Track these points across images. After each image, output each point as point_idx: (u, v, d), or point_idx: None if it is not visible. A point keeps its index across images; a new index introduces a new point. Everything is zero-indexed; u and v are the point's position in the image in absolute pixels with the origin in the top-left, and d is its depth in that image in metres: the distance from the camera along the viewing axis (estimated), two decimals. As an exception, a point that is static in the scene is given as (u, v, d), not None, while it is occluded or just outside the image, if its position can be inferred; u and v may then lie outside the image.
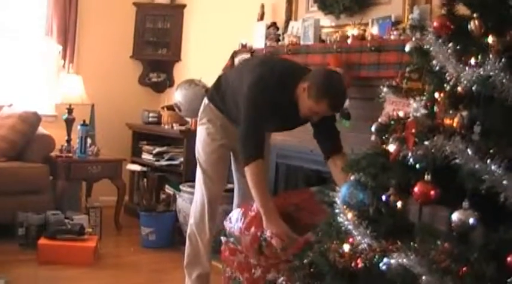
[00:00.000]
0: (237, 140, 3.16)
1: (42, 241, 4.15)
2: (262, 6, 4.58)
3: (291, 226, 2.92)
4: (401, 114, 2.19)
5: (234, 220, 3.11)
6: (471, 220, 1.75)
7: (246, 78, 3.11)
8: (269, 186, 4.26)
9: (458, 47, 1.92)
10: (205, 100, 3.46)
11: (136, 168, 5.50)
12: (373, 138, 2.24)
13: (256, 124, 3.04)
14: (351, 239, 2.07)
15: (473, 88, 1.82)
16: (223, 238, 3.20)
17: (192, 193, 3.80)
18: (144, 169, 5.46)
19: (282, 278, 2.57)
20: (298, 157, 3.68)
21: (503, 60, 1.75)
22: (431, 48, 2.02)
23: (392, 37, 3.45)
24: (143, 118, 5.85)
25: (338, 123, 3.63)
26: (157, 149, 5.38)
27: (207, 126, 3.39)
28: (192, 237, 3.45)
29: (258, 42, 4.43)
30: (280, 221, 2.88)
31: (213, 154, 3.35)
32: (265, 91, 3.00)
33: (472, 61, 1.84)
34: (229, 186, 3.78)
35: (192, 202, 3.52)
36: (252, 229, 2.95)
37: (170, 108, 5.31)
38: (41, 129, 5.04)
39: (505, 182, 1.68)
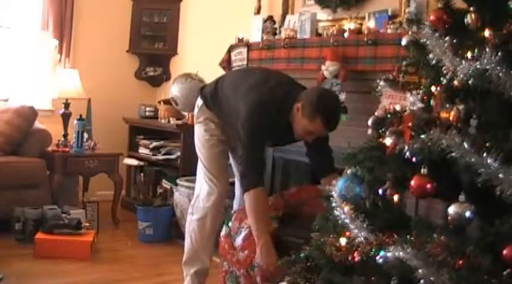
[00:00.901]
0: (235, 138, 3.16)
1: (39, 235, 4.16)
2: None
3: (295, 223, 2.96)
4: (397, 107, 2.19)
5: (235, 229, 3.11)
6: (467, 213, 1.76)
7: (243, 99, 3.07)
8: (266, 180, 4.28)
9: (454, 41, 1.92)
10: (199, 102, 3.45)
11: (133, 162, 5.50)
12: (369, 131, 2.24)
13: (256, 151, 3.00)
14: (347, 233, 2.08)
15: (470, 82, 1.82)
16: (224, 228, 3.20)
17: (189, 188, 3.80)
18: (141, 163, 5.47)
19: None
20: (295, 151, 3.67)
21: (499, 53, 1.75)
22: (427, 42, 2.02)
23: (389, 31, 3.46)
24: (140, 113, 5.85)
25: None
26: (154, 143, 5.38)
27: (205, 123, 3.40)
28: (192, 234, 3.44)
29: (255, 36, 4.42)
30: (272, 252, 2.80)
31: (213, 149, 3.36)
32: (264, 117, 2.97)
33: (469, 55, 1.84)
34: (230, 179, 3.77)
35: (193, 197, 3.51)
36: (246, 252, 2.97)
37: (167, 102, 5.31)
38: (38, 124, 5.04)
39: (501, 175, 1.68)
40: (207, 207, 3.36)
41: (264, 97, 3.01)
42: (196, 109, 3.48)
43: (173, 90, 4.78)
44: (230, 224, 3.19)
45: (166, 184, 5.06)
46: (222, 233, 3.25)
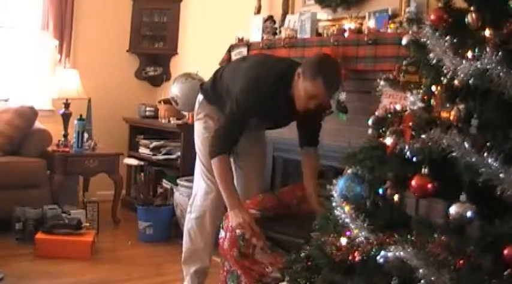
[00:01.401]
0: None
1: (39, 235, 4.15)
2: (259, -1, 4.58)
3: (293, 219, 2.98)
4: (398, 107, 2.19)
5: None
6: (468, 213, 1.76)
7: (240, 79, 3.10)
8: (266, 179, 4.28)
9: (455, 40, 1.92)
10: (200, 97, 3.46)
11: (134, 162, 5.50)
12: (370, 131, 2.24)
13: (236, 127, 3.06)
14: (348, 233, 2.08)
15: (470, 81, 1.82)
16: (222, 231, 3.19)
17: (189, 187, 3.80)
18: (141, 163, 5.46)
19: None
20: (295, 150, 3.67)
21: (500, 53, 1.75)
22: (428, 42, 2.02)
23: (389, 30, 3.45)
24: (140, 113, 5.84)
25: (335, 117, 3.64)
26: (154, 143, 5.38)
27: (204, 120, 3.39)
28: (191, 232, 3.44)
29: (255, 35, 4.42)
30: (244, 211, 2.97)
31: None
32: (258, 94, 3.00)
33: (469, 54, 1.84)
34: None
35: (191, 196, 3.51)
36: (228, 234, 2.97)
37: (167, 102, 5.30)
38: (38, 124, 5.04)
39: (501, 175, 1.68)
40: (205, 205, 3.36)
41: (262, 73, 3.06)
42: (196, 105, 3.47)
43: (173, 89, 4.78)
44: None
45: (166, 184, 5.06)
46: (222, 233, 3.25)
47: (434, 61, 1.99)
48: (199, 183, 3.42)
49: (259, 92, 3.01)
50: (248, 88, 3.02)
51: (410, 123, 1.96)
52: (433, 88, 2.01)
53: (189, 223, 3.46)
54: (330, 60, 3.02)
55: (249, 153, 3.44)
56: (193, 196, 3.46)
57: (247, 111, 3.04)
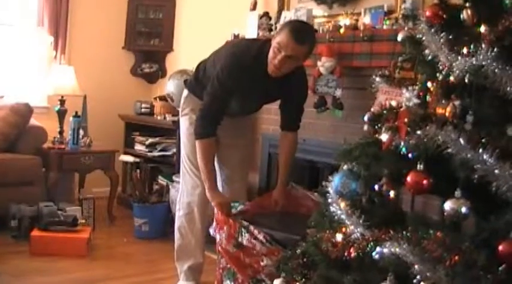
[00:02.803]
0: (220, 129, 3.16)
1: (35, 232, 4.15)
2: (255, -4, 4.57)
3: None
4: (393, 103, 2.19)
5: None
6: (463, 209, 1.76)
7: (220, 61, 3.13)
8: (262, 176, 4.28)
9: (450, 37, 1.93)
10: (185, 92, 3.46)
11: (129, 159, 5.49)
12: (365, 127, 2.24)
13: (219, 103, 3.10)
14: (343, 229, 2.08)
15: (466, 77, 1.83)
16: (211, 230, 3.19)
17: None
18: (137, 160, 5.46)
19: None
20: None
21: (495, 49, 1.75)
22: (423, 38, 2.02)
23: (384, 27, 3.46)
24: (136, 109, 5.83)
25: (330, 113, 3.64)
26: (150, 140, 5.37)
27: (189, 116, 3.40)
28: (181, 229, 3.44)
29: (251, 32, 4.41)
30: (219, 193, 3.18)
31: None
32: (238, 68, 3.02)
33: (465, 50, 1.84)
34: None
35: (179, 193, 3.51)
36: (224, 229, 2.99)
37: (163, 98, 5.30)
38: (33, 121, 5.02)
39: (496, 171, 1.68)
40: (193, 201, 3.36)
41: (240, 49, 3.11)
42: (182, 100, 3.48)
43: (169, 86, 4.77)
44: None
45: (162, 180, 5.05)
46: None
47: (429, 57, 1.99)
48: (185, 179, 3.42)
49: (239, 67, 3.03)
50: (227, 65, 3.05)
51: (406, 120, 1.97)
52: (429, 84, 2.01)
53: (178, 220, 3.46)
54: (301, 21, 3.11)
55: (232, 147, 3.45)
56: (180, 193, 3.47)
57: (228, 87, 3.06)
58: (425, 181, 1.87)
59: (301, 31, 2.93)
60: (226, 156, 3.46)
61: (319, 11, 4.15)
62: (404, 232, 1.82)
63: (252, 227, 2.89)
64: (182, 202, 3.43)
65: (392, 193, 2.03)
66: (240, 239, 2.91)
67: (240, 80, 3.04)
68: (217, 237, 3.03)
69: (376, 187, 2.06)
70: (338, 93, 3.62)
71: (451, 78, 1.89)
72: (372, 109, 2.29)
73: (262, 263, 2.82)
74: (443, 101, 1.92)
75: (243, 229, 2.90)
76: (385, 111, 2.16)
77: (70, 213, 4.41)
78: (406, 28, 2.27)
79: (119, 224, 5.07)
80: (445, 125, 1.83)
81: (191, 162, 3.37)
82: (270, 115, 4.06)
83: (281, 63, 2.91)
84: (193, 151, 3.30)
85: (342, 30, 3.67)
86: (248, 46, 3.11)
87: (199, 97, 3.32)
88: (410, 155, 1.93)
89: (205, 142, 3.11)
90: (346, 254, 2.00)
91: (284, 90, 3.13)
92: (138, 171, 5.36)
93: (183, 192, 3.44)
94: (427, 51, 2.00)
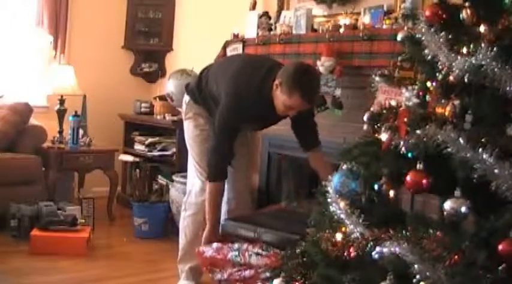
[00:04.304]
0: None
1: (34, 232, 4.14)
2: (255, -5, 4.57)
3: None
4: (393, 103, 2.19)
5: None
6: (463, 209, 1.76)
7: (223, 90, 3.14)
8: (262, 177, 4.28)
9: (450, 36, 1.93)
10: (186, 98, 3.46)
11: (129, 158, 5.49)
12: (365, 127, 2.24)
13: (227, 143, 3.11)
14: (343, 228, 2.08)
15: (465, 77, 1.83)
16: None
17: (185, 184, 3.80)
18: (137, 159, 5.45)
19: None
20: (290, 146, 3.68)
21: (495, 49, 1.75)
22: (423, 37, 2.02)
23: (384, 26, 3.46)
24: (135, 109, 5.83)
25: (330, 112, 3.65)
26: (150, 139, 5.37)
27: (194, 118, 3.40)
28: (186, 230, 3.44)
29: (250, 31, 4.42)
30: (212, 236, 3.12)
31: (204, 144, 3.34)
32: (240, 110, 3.06)
33: (464, 50, 1.84)
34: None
35: (186, 193, 3.51)
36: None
37: (162, 98, 5.30)
38: (33, 120, 5.03)
39: (496, 171, 1.68)
40: (200, 203, 3.36)
41: (240, 88, 3.08)
42: (184, 106, 3.48)
43: (169, 86, 4.78)
44: None
45: (162, 180, 5.05)
46: None
47: (429, 57, 1.99)
48: (194, 180, 3.42)
49: (241, 106, 3.06)
50: (230, 106, 3.08)
51: (406, 119, 1.97)
52: (428, 84, 2.02)
53: (184, 221, 3.46)
54: (308, 73, 2.98)
55: (238, 151, 3.45)
56: (188, 193, 3.47)
57: (233, 125, 3.12)
58: (424, 181, 1.87)
59: (312, 91, 2.97)
60: (234, 163, 3.45)
61: (318, 10, 4.15)
62: (404, 232, 1.82)
63: (244, 246, 2.90)
64: (189, 203, 3.44)
65: (391, 193, 2.03)
66: (238, 260, 2.91)
67: (245, 115, 3.09)
68: (219, 276, 3.01)
69: (376, 186, 2.06)
70: (338, 92, 3.62)
71: (451, 78, 1.89)
72: (372, 109, 2.29)
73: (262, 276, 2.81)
74: (442, 101, 1.92)
75: (235, 252, 2.90)
76: (384, 111, 2.17)
77: (70, 213, 4.40)
78: (405, 28, 2.27)
79: (119, 224, 5.07)
80: (444, 124, 1.83)
81: (198, 164, 3.37)
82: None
83: (292, 114, 3.03)
84: (199, 154, 3.33)
85: (341, 30, 3.67)
86: (248, 83, 3.08)
87: (200, 105, 3.36)
88: (409, 154, 1.93)
89: (216, 185, 3.14)
90: (345, 253, 1.99)
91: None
92: (137, 170, 5.37)
93: (191, 192, 3.44)
94: (426, 51, 2.00)
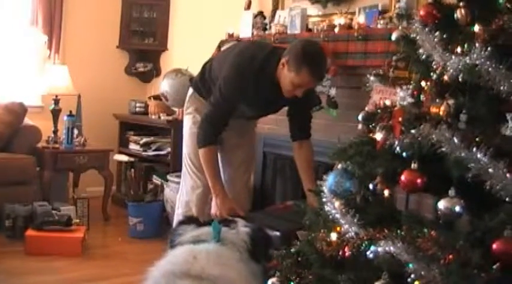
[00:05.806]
0: (225, 130, 3.16)
1: (29, 232, 4.14)
2: (249, -5, 4.57)
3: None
4: (388, 102, 2.20)
5: None
6: (457, 208, 1.76)
7: (225, 67, 3.11)
8: (257, 175, 4.28)
9: (444, 36, 1.93)
10: (190, 91, 3.46)
11: (124, 158, 5.48)
12: (360, 126, 2.24)
13: (223, 110, 3.09)
14: (338, 228, 2.08)
15: (460, 76, 1.83)
16: None
17: (180, 183, 3.80)
18: (132, 159, 5.45)
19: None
20: (285, 146, 3.68)
21: (489, 48, 1.76)
22: (417, 37, 2.02)
23: (379, 26, 3.46)
24: (130, 109, 5.83)
25: (325, 112, 3.65)
26: (145, 139, 5.37)
27: (193, 115, 3.39)
28: None
29: (245, 31, 4.42)
30: (227, 199, 3.09)
31: None
32: (241, 82, 3.02)
33: (459, 50, 1.85)
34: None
35: (178, 191, 3.51)
36: None
37: (157, 97, 5.29)
38: (27, 120, 5.01)
39: (490, 170, 1.69)
40: (192, 200, 3.36)
41: (245, 61, 3.06)
42: (186, 99, 3.47)
43: (163, 85, 4.77)
44: None
45: (156, 180, 5.05)
46: None
47: (423, 56, 2.00)
48: (186, 178, 3.42)
49: (241, 80, 3.02)
50: (230, 77, 3.04)
51: (400, 119, 1.97)
52: (423, 83, 2.02)
53: (177, 218, 3.46)
54: (313, 47, 2.99)
55: (236, 147, 3.45)
56: (180, 191, 3.47)
57: (231, 99, 3.07)
58: (419, 180, 1.87)
59: (320, 66, 2.96)
60: (230, 156, 3.45)
61: (313, 10, 4.15)
62: (398, 231, 1.82)
63: None
64: (181, 201, 3.44)
65: (386, 192, 2.03)
66: None
67: (243, 91, 3.05)
68: None
69: (371, 186, 2.06)
70: (333, 92, 3.63)
71: (445, 77, 1.90)
72: (366, 108, 2.30)
73: None
74: (437, 100, 1.92)
75: None
76: (379, 110, 2.17)
77: (64, 213, 4.39)
78: (400, 27, 2.27)
79: (114, 224, 5.07)
80: (439, 124, 1.84)
81: (192, 162, 3.36)
82: (265, 114, 4.06)
83: (299, 94, 2.98)
84: (194, 152, 3.31)
85: (336, 30, 3.68)
86: (253, 57, 3.06)
87: (203, 96, 3.33)
88: (404, 154, 1.93)
89: (207, 151, 3.11)
90: (340, 253, 2.00)
91: (293, 98, 3.11)
92: (132, 170, 5.36)
93: (183, 190, 3.44)
94: (421, 51, 2.01)
